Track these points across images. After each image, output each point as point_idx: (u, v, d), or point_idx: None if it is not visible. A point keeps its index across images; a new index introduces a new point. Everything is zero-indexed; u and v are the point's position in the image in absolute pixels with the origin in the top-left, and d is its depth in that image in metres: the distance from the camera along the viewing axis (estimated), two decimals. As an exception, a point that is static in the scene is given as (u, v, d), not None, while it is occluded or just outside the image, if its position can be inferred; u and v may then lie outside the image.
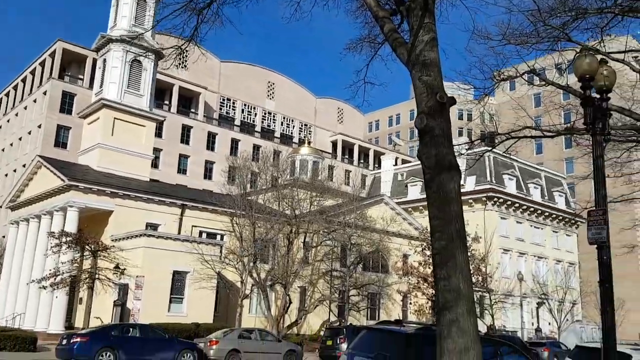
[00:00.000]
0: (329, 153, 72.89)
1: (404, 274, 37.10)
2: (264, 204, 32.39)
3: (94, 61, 43.92)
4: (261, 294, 30.48)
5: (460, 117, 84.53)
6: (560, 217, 54.09)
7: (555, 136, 14.40)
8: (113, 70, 36.46)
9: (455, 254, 6.29)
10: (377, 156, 77.00)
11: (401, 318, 35.05)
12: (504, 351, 9.66)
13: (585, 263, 56.93)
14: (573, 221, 54.98)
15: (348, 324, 30.39)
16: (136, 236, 28.54)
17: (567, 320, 42.06)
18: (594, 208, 9.04)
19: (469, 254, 28.35)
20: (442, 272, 6.31)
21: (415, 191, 53.67)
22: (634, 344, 21.36)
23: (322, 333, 29.58)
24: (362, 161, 79.21)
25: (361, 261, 34.89)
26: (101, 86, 37.24)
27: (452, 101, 6.69)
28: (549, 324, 46.08)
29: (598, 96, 9.48)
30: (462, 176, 51.56)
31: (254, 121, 71.69)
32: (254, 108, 71.95)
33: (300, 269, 31.37)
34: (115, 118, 35.52)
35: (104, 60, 37.67)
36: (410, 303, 38.40)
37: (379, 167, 68.40)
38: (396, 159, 70.26)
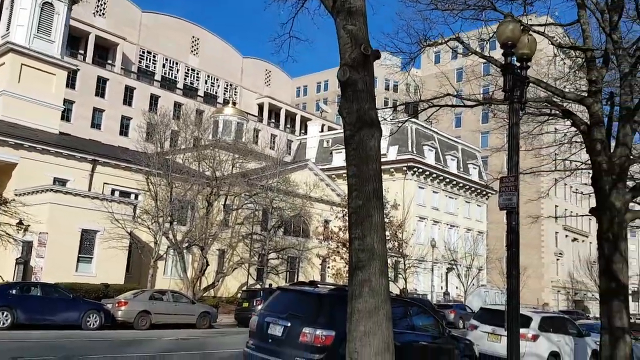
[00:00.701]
0: (254, 116, 71.51)
1: (324, 238, 37.53)
2: (183, 164, 31.22)
3: (1, 1, 39.73)
4: (177, 255, 29.67)
5: (387, 88, 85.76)
6: (473, 189, 56.90)
7: (475, 106, 14.68)
8: (21, 12, 33.54)
9: (372, 214, 6.09)
10: (304, 122, 76.66)
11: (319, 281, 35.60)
12: (414, 312, 9.84)
13: (493, 232, 60.68)
14: (484, 192, 58.14)
15: (266, 286, 30.40)
16: (42, 191, 26.58)
17: (473, 284, 44.75)
18: (507, 175, 9.26)
19: (387, 220, 28.90)
20: (357, 231, 6.11)
21: (340, 158, 54.08)
22: (532, 307, 22.95)
23: (239, 295, 29.41)
24: (288, 126, 78.55)
25: (282, 225, 34.78)
26: (8, 29, 34.19)
27: (377, 54, 6.39)
28: (457, 288, 48.86)
29: (518, 64, 9.60)
30: (386, 146, 52.82)
31: (175, 77, 68.56)
32: (177, 63, 68.70)
33: (220, 232, 30.77)
34: (22, 64, 32.75)
35: (12, 0, 34.40)
36: (329, 267, 39.06)
37: (306, 132, 68.21)
38: (322, 125, 70.29)
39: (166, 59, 67.43)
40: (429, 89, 20.46)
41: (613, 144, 12.99)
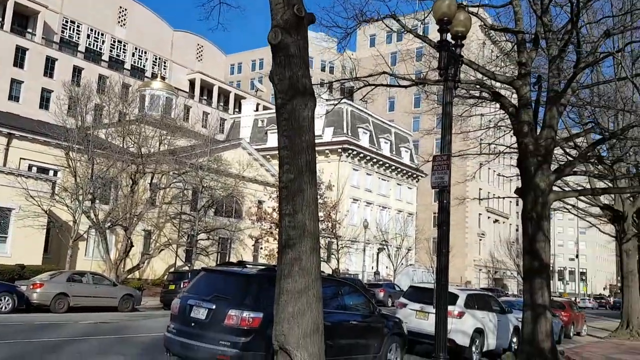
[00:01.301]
0: (185, 92, 68.99)
1: (257, 219, 36.94)
2: (106, 139, 29.47)
3: None
4: (99, 236, 28.14)
5: (323, 69, 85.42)
6: (405, 171, 58.19)
7: (409, 86, 14.62)
8: None
9: (304, 188, 5.73)
10: (238, 100, 74.96)
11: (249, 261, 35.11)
12: (345, 291, 9.66)
13: (422, 213, 62.61)
14: (415, 175, 59.65)
15: (194, 268, 29.54)
16: (-55, 166, 24.23)
17: (402, 264, 45.94)
18: (439, 154, 9.19)
19: (322, 201, 28.65)
20: (288, 207, 5.73)
21: (275, 139, 53.24)
22: (456, 285, 23.69)
23: (166, 278, 28.40)
24: (221, 104, 76.50)
25: (213, 205, 33.81)
26: None
27: (311, 18, 5.97)
28: (387, 267, 50.04)
29: (453, 42, 9.47)
30: (321, 128, 52.56)
31: (101, 49, 64.71)
32: (102, 35, 64.80)
33: (145, 212, 29.44)
34: None
35: None
36: (262, 248, 38.61)
37: (240, 111, 66.75)
38: (258, 104, 68.98)
39: (91, 30, 63.45)
40: (364, 70, 20.32)
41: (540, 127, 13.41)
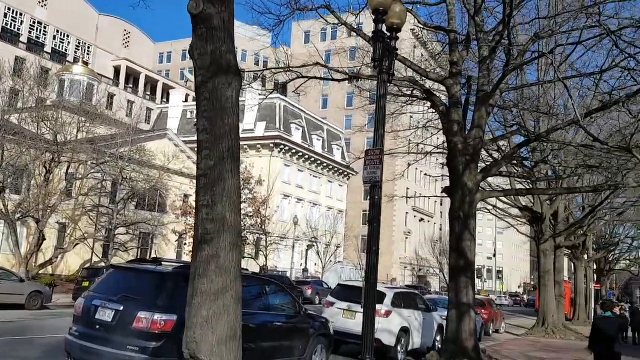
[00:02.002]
0: (109, 79, 65.45)
1: (182, 214, 35.49)
2: (19, 125, 27.13)
3: None
4: (8, 228, 25.88)
5: (257, 63, 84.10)
6: (336, 169, 58.47)
7: (343, 80, 14.33)
8: None
9: (225, 177, 5.14)
10: (167, 90, 72.12)
11: (176, 259, 33.70)
12: (270, 290, 9.13)
13: (351, 211, 63.18)
14: (346, 173, 60.09)
15: (111, 264, 27.82)
16: None
17: (331, 261, 46.00)
18: (372, 148, 8.88)
19: (252, 196, 27.76)
20: (207, 197, 5.12)
21: (203, 131, 51.90)
22: (382, 282, 23.77)
23: (80, 274, 26.57)
24: (148, 93, 73.32)
25: (134, 198, 32.04)
26: None
27: (238, -12, 5.39)
28: (315, 264, 49.95)
29: (388, 34, 9.19)
30: (254, 122, 51.60)
31: (19, 30, 60.05)
32: (21, 14, 60.14)
33: (60, 203, 27.38)
34: None
35: None
36: (186, 244, 37.18)
37: (168, 101, 64.24)
38: (187, 95, 66.69)
39: (8, 9, 58.74)
40: (298, 64, 19.89)
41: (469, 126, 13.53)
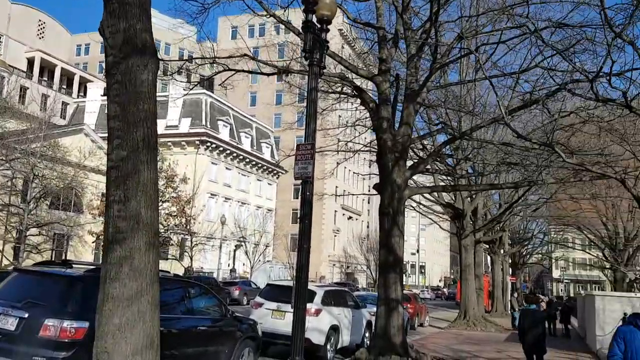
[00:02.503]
0: (22, 71, 60.87)
1: (99, 213, 33.53)
2: None
3: None
4: None
5: (181, 58, 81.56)
6: (265, 167, 57.84)
7: (272, 74, 13.96)
8: None
9: (139, 169, 4.64)
10: (84, 83, 68.16)
11: (93, 261, 31.78)
12: (194, 293, 8.62)
13: (281, 210, 62.80)
14: (275, 171, 59.61)
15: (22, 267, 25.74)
16: None
17: (260, 261, 45.38)
18: (303, 142, 8.61)
19: (176, 194, 26.49)
20: (118, 192, 4.61)
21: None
22: (311, 281, 23.58)
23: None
24: (64, 87, 68.96)
25: (47, 197, 29.84)
26: None
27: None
28: (244, 264, 49.11)
29: (319, 26, 8.96)
30: (178, 118, 49.86)
31: None
32: None
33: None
34: None
35: None
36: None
37: (85, 95, 60.72)
38: (105, 89, 63.35)
39: None
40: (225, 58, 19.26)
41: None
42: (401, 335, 12.02)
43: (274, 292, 12.78)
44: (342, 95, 16.12)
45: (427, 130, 20.60)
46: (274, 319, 11.96)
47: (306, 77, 9.68)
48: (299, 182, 8.28)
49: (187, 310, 8.24)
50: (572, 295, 69.22)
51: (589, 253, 46.23)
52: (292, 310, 7.59)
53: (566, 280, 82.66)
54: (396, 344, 11.80)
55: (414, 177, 23.50)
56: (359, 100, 15.05)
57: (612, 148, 13.06)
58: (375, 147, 14.81)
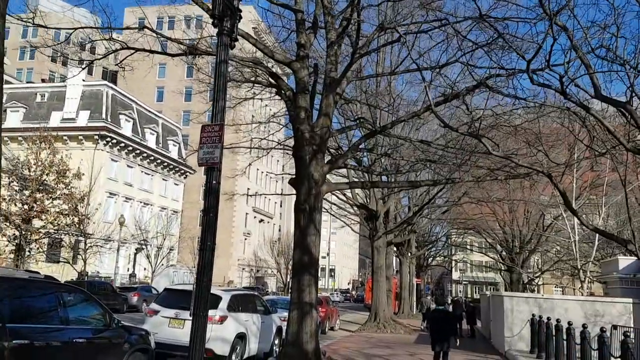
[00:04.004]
0: None
1: None
2: None
3: None
4: None
5: (83, 48, 75.81)
6: (172, 166, 54.95)
7: (178, 55, 12.55)
8: None
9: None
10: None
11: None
12: (72, 300, 7.15)
13: (187, 211, 60.03)
14: (183, 171, 56.84)
15: None
16: None
17: (163, 265, 42.77)
18: (210, 123, 7.45)
19: (68, 191, 23.67)
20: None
21: (17, 118, 44.87)
22: (218, 285, 22.16)
23: None
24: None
25: None
26: None
27: None
28: (145, 269, 46.10)
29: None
30: (75, 110, 45.90)
31: None
32: None
33: None
34: None
35: None
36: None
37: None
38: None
39: None
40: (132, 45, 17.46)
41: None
42: (314, 342, 11.13)
43: (173, 298, 11.36)
44: (256, 85, 15.04)
45: (345, 125, 20.05)
46: (171, 328, 10.58)
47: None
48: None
49: (61, 320, 6.81)
50: (469, 295, 72.84)
51: (487, 255, 48.45)
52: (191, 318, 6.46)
53: (465, 282, 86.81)
54: (308, 351, 10.90)
55: (328, 176, 22.96)
56: (274, 91, 14.04)
57: (526, 149, 13.13)
58: (291, 144, 13.87)
